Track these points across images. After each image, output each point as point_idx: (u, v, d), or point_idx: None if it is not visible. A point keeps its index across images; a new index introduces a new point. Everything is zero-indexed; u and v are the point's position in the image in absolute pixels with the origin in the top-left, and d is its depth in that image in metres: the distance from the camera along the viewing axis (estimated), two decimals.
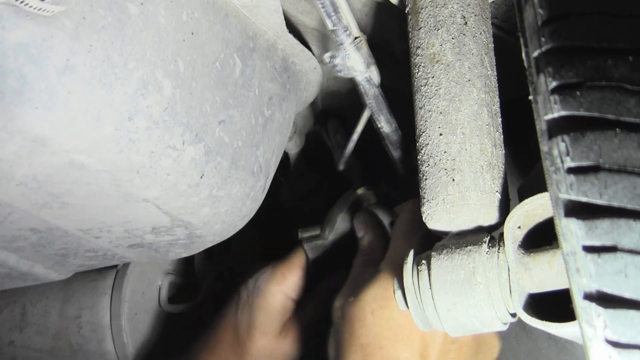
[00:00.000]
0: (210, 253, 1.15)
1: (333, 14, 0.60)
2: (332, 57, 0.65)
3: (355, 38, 0.64)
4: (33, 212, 0.61)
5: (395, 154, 0.83)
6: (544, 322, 0.51)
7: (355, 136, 0.84)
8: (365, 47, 0.66)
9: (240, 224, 0.73)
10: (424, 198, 0.62)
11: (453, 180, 0.60)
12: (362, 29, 0.69)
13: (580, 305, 0.41)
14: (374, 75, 0.69)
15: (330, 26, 0.61)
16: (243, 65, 0.67)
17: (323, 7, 0.60)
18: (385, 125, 0.71)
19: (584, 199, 0.40)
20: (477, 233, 0.60)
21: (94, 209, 0.61)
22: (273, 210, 1.11)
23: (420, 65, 0.64)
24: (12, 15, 0.45)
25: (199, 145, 0.60)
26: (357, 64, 0.65)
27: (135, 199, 0.60)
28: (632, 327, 0.39)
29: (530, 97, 0.46)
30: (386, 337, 0.69)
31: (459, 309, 0.57)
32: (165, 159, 0.58)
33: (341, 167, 0.95)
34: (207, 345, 0.93)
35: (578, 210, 0.40)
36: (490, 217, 0.60)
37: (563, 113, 0.41)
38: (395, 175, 0.89)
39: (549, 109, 0.42)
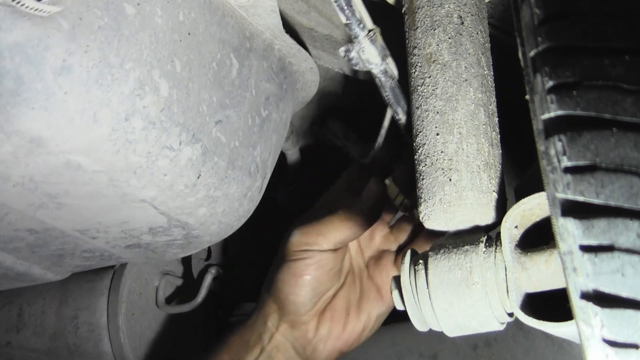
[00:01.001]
0: (208, 253, 1.15)
1: (346, 7, 0.59)
2: (347, 50, 0.64)
3: (370, 31, 0.63)
4: (30, 213, 0.60)
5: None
6: (541, 321, 0.51)
7: (383, 131, 0.83)
8: (380, 40, 0.65)
9: (237, 224, 0.73)
10: (421, 198, 0.62)
11: (450, 180, 0.60)
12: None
13: (577, 304, 0.41)
14: (391, 67, 0.69)
15: (343, 20, 0.60)
16: (240, 66, 0.67)
17: (336, 1, 0.59)
18: (404, 117, 0.70)
19: (580, 199, 0.40)
20: (474, 233, 0.60)
21: (91, 209, 0.61)
22: (270, 210, 1.11)
23: (416, 65, 0.64)
24: (8, 16, 0.45)
25: (195, 146, 0.60)
26: (373, 57, 0.64)
27: (132, 199, 0.60)
28: (629, 326, 0.39)
29: (527, 97, 0.46)
30: None
31: (456, 308, 0.57)
32: (162, 160, 0.58)
33: (367, 160, 0.93)
34: None
35: (575, 209, 0.40)
36: (487, 216, 0.60)
37: (560, 112, 0.41)
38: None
39: (546, 109, 0.42)
